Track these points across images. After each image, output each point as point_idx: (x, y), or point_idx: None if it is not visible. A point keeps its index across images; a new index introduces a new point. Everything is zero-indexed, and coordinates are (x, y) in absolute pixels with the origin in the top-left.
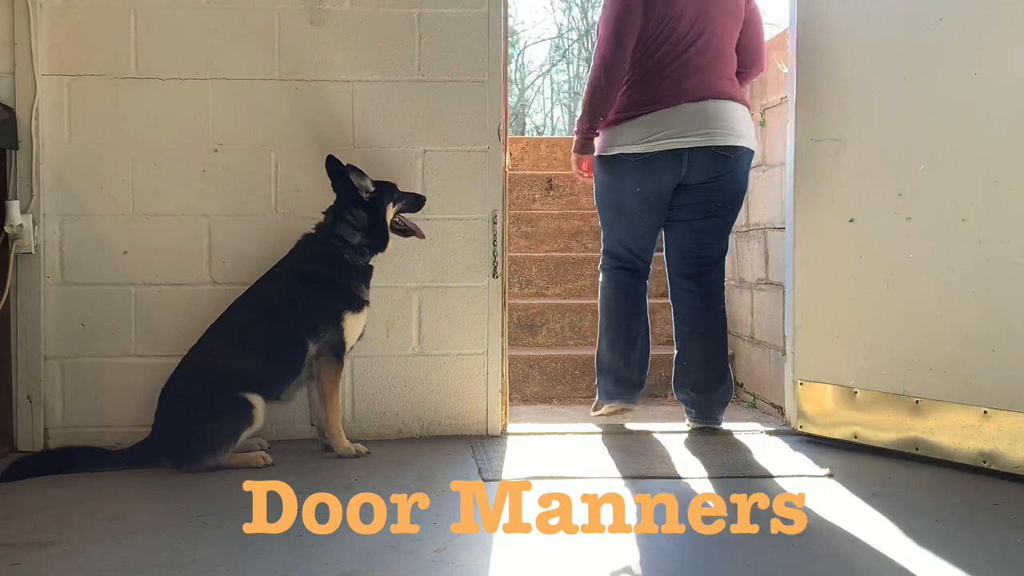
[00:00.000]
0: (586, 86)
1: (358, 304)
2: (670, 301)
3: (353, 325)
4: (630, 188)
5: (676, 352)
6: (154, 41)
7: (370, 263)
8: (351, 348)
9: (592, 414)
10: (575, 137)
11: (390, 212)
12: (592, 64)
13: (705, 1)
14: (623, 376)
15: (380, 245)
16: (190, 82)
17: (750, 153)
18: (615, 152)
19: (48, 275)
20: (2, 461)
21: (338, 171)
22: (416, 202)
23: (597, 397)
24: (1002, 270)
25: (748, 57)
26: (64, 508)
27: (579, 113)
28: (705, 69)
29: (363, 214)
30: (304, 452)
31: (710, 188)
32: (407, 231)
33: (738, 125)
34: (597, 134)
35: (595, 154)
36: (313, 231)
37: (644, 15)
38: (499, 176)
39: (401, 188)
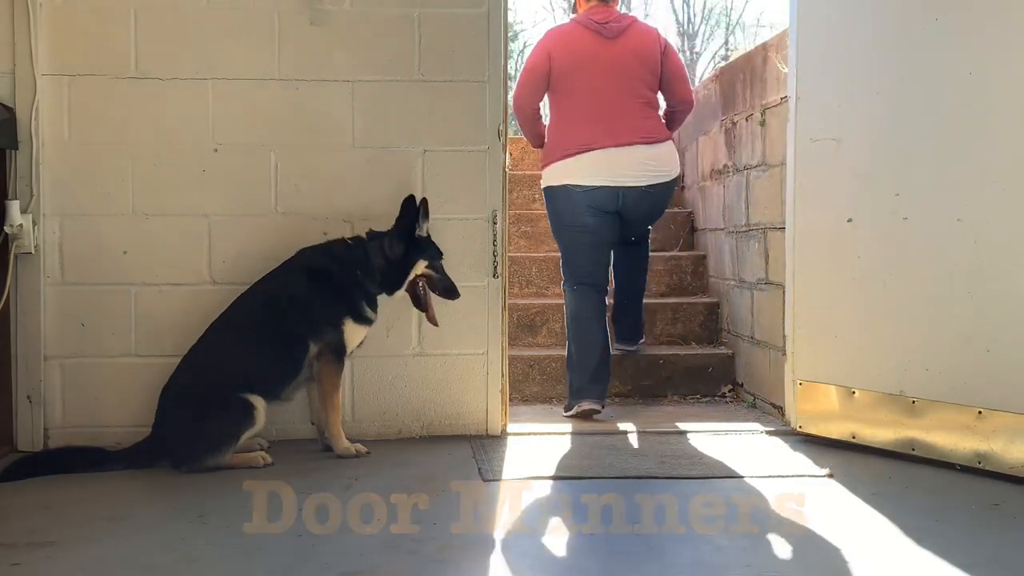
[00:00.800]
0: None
1: (360, 316)
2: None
3: (352, 334)
4: (580, 209)
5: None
6: (154, 41)
7: (375, 294)
8: (351, 352)
9: (564, 415)
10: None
11: (419, 267)
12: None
13: (612, 55)
14: (592, 377)
15: (390, 286)
16: (190, 82)
17: (673, 180)
18: (562, 183)
19: (48, 275)
20: (2, 461)
21: (408, 206)
22: (447, 289)
23: (568, 399)
24: (997, 270)
25: (673, 99)
26: (64, 508)
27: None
28: (628, 114)
29: (399, 250)
30: (304, 452)
31: (640, 210)
32: (419, 302)
33: (663, 165)
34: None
35: (543, 186)
36: (347, 238)
37: (550, 70)
38: (499, 176)
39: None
